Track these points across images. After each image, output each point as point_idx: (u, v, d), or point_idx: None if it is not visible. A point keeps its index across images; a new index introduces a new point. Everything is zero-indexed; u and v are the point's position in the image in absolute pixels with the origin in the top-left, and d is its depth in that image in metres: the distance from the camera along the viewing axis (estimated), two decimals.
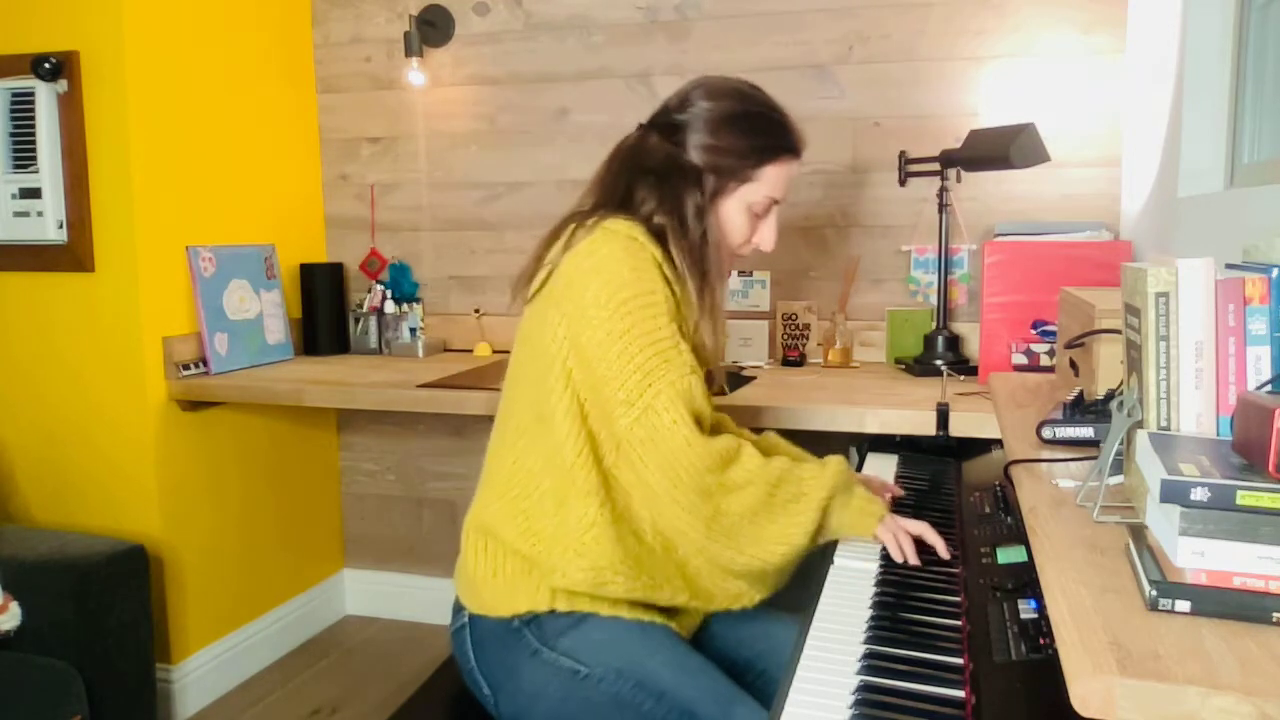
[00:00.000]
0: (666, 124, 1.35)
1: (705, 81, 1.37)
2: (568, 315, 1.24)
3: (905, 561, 1.26)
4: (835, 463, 1.29)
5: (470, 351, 2.71)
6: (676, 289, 1.27)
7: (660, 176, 1.32)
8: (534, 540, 1.26)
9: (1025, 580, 1.07)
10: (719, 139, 1.32)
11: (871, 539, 1.29)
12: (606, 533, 1.23)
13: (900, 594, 1.18)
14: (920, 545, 1.29)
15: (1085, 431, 1.18)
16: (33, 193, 2.24)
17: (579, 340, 1.23)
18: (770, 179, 1.35)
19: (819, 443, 1.56)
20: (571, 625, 1.25)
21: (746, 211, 1.36)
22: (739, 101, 1.35)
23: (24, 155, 2.25)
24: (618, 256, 1.23)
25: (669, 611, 1.31)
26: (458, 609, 1.35)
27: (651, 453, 1.19)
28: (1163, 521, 0.74)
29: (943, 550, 1.29)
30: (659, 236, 1.28)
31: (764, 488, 1.22)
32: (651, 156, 1.34)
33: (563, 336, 1.25)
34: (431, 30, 2.70)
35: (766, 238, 1.40)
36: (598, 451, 1.25)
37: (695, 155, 1.32)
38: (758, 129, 1.34)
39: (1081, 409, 1.23)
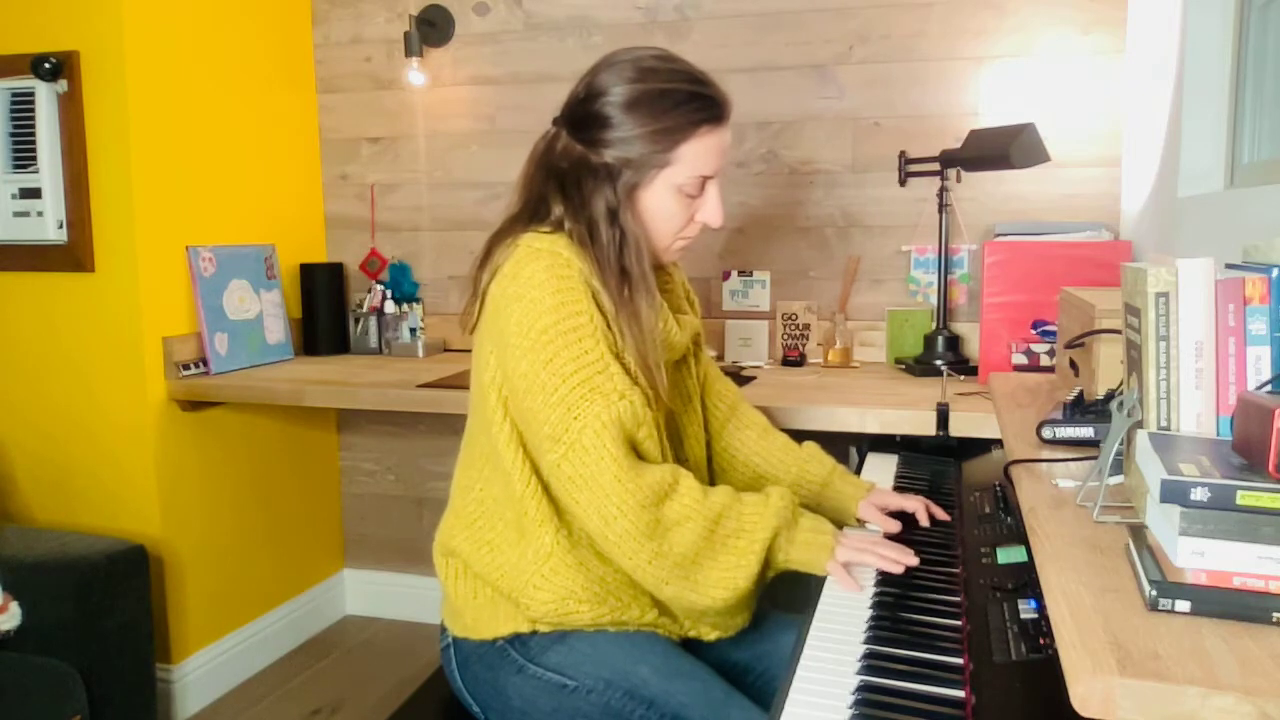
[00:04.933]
0: (575, 117, 1.26)
1: (611, 63, 1.26)
2: (496, 345, 1.21)
3: (905, 569, 1.23)
4: (777, 496, 1.23)
5: (470, 351, 2.70)
6: (602, 300, 1.20)
7: (568, 180, 1.25)
8: (500, 572, 1.24)
9: (1025, 580, 1.07)
10: (627, 128, 1.22)
11: (823, 573, 1.22)
12: (565, 560, 1.20)
13: (900, 594, 1.18)
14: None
15: (1085, 431, 1.18)
16: (33, 193, 2.24)
17: (507, 370, 1.19)
18: (691, 157, 1.24)
19: (819, 443, 1.56)
20: (556, 640, 1.24)
21: (677, 195, 1.26)
22: (645, 81, 1.23)
23: (24, 155, 2.25)
24: (539, 279, 1.17)
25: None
26: (443, 629, 1.35)
27: (581, 491, 1.14)
28: (1163, 521, 0.74)
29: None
30: (582, 244, 1.21)
31: (704, 523, 1.16)
32: (560, 159, 1.26)
33: (494, 366, 1.22)
34: (431, 30, 2.70)
35: (711, 214, 1.29)
36: (545, 479, 1.21)
37: (605, 151, 1.23)
38: (667, 108, 1.22)
39: (1081, 409, 1.23)
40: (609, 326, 1.20)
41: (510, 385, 1.20)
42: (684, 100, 1.23)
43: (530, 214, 1.27)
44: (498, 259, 1.23)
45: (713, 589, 1.18)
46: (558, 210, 1.25)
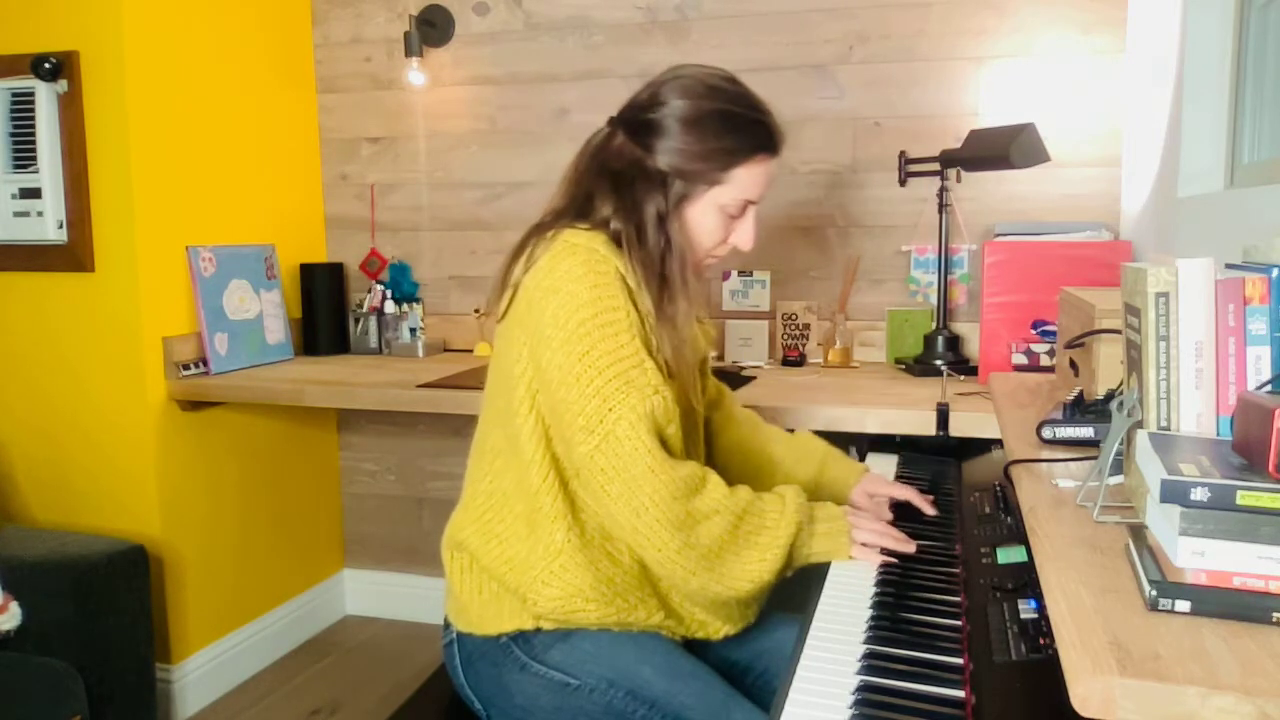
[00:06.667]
0: (635, 122, 1.28)
1: (678, 75, 1.29)
2: (529, 336, 1.21)
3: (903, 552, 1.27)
4: (793, 494, 1.25)
5: (470, 351, 2.71)
6: (639, 300, 1.21)
7: (622, 181, 1.26)
8: (508, 566, 1.24)
9: (1025, 580, 1.07)
10: (686, 141, 1.24)
11: (849, 559, 1.26)
12: (575, 559, 1.20)
13: (900, 594, 1.18)
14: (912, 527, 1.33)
15: (1085, 431, 1.18)
16: (33, 193, 2.24)
17: (539, 362, 1.19)
18: (742, 180, 1.27)
19: None
20: (560, 639, 1.24)
21: (719, 213, 1.28)
22: (711, 100, 1.26)
23: (24, 155, 2.25)
24: (577, 273, 1.18)
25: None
26: (446, 625, 1.35)
27: (613, 482, 1.14)
28: (1163, 521, 0.74)
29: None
30: (620, 244, 1.23)
31: (730, 518, 1.18)
32: (615, 159, 1.27)
33: (525, 358, 1.22)
34: (431, 30, 2.70)
35: (744, 238, 1.32)
36: (563, 475, 1.22)
37: (661, 158, 1.25)
38: (729, 130, 1.25)
39: (1081, 409, 1.23)
40: (643, 326, 1.22)
41: (542, 377, 1.20)
42: (744, 125, 1.27)
43: (576, 211, 1.28)
44: (535, 252, 1.24)
45: (737, 581, 1.19)
46: (605, 209, 1.26)
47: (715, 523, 1.17)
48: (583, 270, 1.18)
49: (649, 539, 1.15)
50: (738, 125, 1.26)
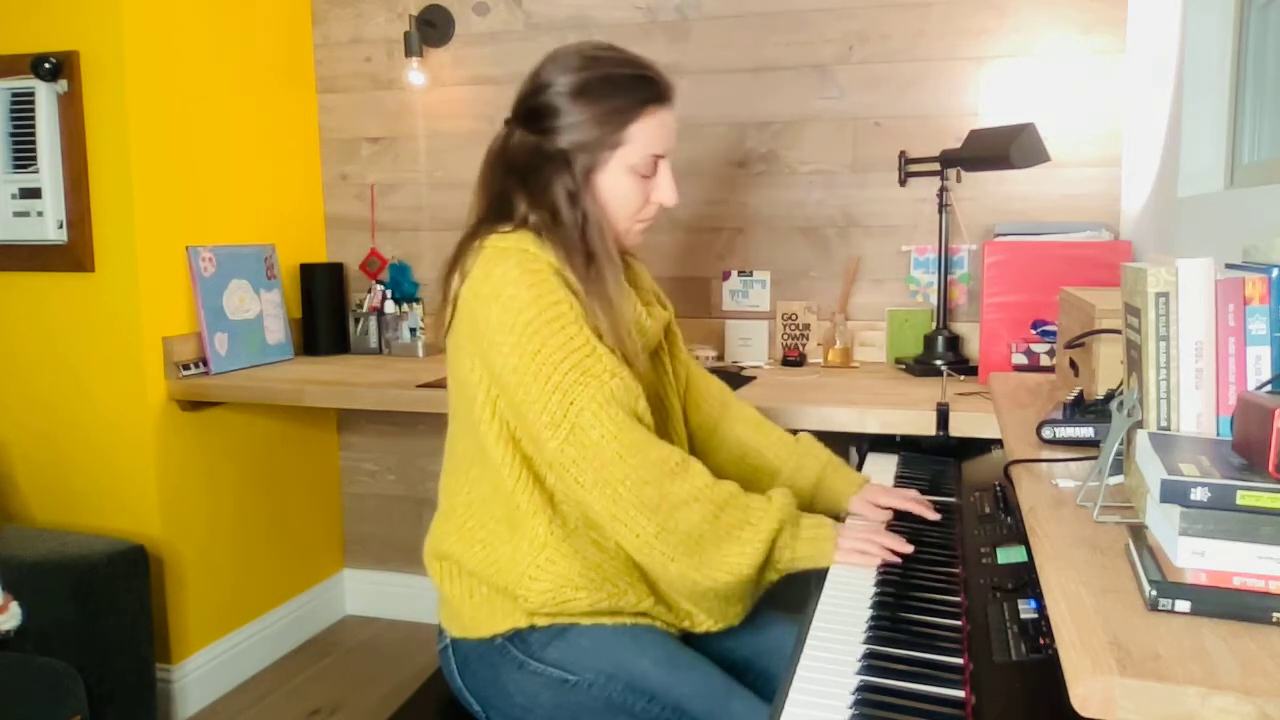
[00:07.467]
0: (526, 112, 1.31)
1: (552, 58, 1.31)
2: (478, 346, 1.22)
3: (900, 556, 1.25)
4: (780, 495, 1.25)
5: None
6: (578, 288, 1.23)
7: (528, 172, 1.28)
8: (494, 568, 1.25)
9: (1025, 580, 1.07)
10: (578, 112, 1.26)
11: (833, 565, 1.24)
12: (560, 549, 1.21)
13: (900, 594, 1.18)
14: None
15: (1085, 431, 1.18)
16: (33, 193, 2.24)
17: (493, 368, 1.21)
18: (642, 136, 1.28)
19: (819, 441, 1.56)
20: (555, 635, 1.24)
21: (631, 175, 1.29)
22: (591, 68, 1.28)
23: (24, 155, 2.25)
24: (512, 276, 1.20)
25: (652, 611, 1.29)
26: (440, 632, 1.35)
27: (585, 471, 1.16)
28: (1163, 521, 0.74)
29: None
30: (548, 232, 1.25)
31: (710, 507, 1.18)
32: (518, 154, 1.30)
33: (479, 368, 1.23)
34: (431, 30, 2.70)
35: (664, 194, 1.33)
36: (537, 472, 1.23)
37: (559, 137, 1.27)
38: (614, 90, 1.27)
39: (1081, 409, 1.23)
40: (587, 314, 1.23)
41: (500, 382, 1.21)
42: (628, 83, 1.28)
43: (495, 215, 1.30)
44: (466, 263, 1.25)
45: (715, 571, 1.19)
46: (521, 206, 1.28)
47: (694, 509, 1.17)
48: (518, 272, 1.20)
49: (626, 524, 1.16)
50: (622, 84, 1.28)
